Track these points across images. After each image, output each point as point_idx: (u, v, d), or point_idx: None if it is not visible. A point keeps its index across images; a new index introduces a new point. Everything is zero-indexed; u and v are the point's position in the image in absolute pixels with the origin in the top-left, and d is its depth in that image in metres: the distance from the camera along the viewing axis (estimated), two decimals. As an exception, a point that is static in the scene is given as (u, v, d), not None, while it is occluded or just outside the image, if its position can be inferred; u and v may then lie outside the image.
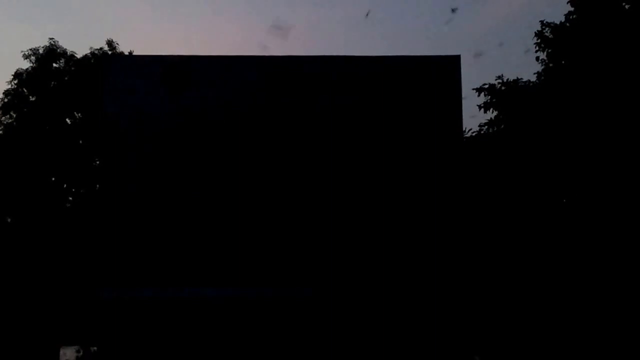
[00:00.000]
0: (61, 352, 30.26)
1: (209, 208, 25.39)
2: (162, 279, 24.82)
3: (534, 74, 30.45)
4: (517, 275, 28.33)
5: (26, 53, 36.99)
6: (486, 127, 30.31)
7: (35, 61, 36.97)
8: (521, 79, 30.32)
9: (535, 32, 30.03)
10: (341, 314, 23.71)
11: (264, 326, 23.22)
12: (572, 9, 29.56)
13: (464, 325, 23.38)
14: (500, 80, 30.13)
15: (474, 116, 50.81)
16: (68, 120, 36.72)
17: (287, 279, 24.70)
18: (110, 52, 37.09)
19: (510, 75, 31.09)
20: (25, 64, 37.14)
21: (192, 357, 22.12)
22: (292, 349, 22.34)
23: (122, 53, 36.94)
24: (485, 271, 28.35)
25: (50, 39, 37.39)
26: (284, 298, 24.12)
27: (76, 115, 36.55)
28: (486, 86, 30.00)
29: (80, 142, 35.90)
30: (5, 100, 36.43)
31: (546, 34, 29.90)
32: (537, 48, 30.08)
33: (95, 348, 25.18)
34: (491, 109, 30.04)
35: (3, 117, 36.35)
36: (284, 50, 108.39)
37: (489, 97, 29.97)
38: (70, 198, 36.06)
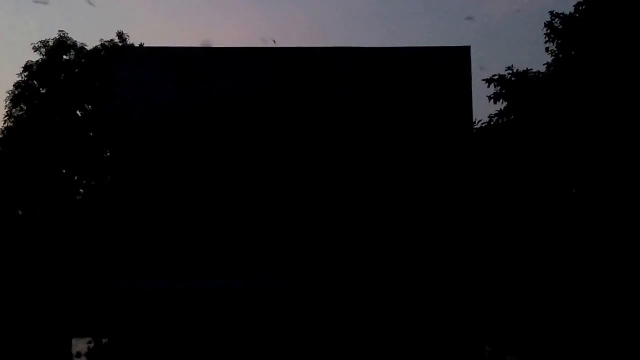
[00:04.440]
0: (73, 343, 30.41)
1: (215, 201, 25.48)
2: (169, 271, 24.97)
3: (544, 64, 30.41)
4: (528, 266, 28.37)
5: (36, 45, 37.05)
6: (496, 118, 30.28)
7: (46, 54, 36.98)
8: (531, 69, 30.28)
9: (545, 23, 29.99)
10: (342, 307, 23.82)
11: (268, 317, 23.39)
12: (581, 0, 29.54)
13: (474, 316, 23.46)
14: (510, 72, 30.08)
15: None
16: (79, 113, 36.79)
17: (290, 272, 24.85)
18: (120, 45, 37.09)
19: (520, 67, 30.95)
20: (36, 57, 37.22)
21: (198, 347, 22.32)
22: (290, 339, 22.50)
23: (132, 45, 36.92)
24: (495, 262, 28.40)
25: (61, 31, 37.41)
26: (281, 290, 24.30)
27: (87, 107, 36.59)
28: (496, 77, 29.96)
29: (91, 134, 35.96)
30: (16, 92, 36.50)
31: (556, 25, 29.85)
32: (546, 39, 30.04)
33: (106, 340, 25.37)
34: (501, 100, 29.99)
35: (14, 110, 36.43)
36: (290, 43, 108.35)
37: (499, 88, 29.92)
38: (82, 190, 36.17)
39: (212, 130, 25.52)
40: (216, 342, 22.30)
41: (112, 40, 37.39)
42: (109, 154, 33.63)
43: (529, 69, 30.25)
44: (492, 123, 30.44)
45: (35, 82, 36.58)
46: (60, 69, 36.70)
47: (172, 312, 23.51)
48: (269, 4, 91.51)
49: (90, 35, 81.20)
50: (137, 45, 36.43)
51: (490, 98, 30.07)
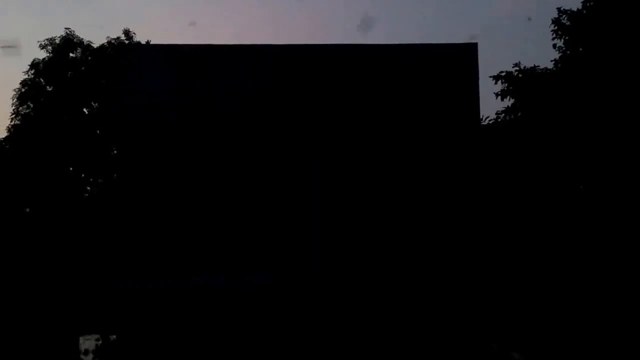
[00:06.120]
0: (80, 341, 30.44)
1: (217, 201, 25.45)
2: (171, 270, 24.96)
3: (551, 61, 30.25)
4: (534, 263, 28.27)
5: (43, 43, 36.97)
6: (503, 114, 30.12)
7: (52, 51, 36.91)
8: (538, 66, 30.12)
9: (552, 20, 29.83)
10: (344, 305, 23.76)
11: (268, 316, 23.38)
12: (589, -4, 29.40)
13: (479, 313, 23.38)
14: (517, 68, 29.91)
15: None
16: (85, 110, 36.74)
17: (290, 270, 24.82)
18: (127, 42, 36.99)
19: (527, 63, 30.78)
20: (42, 54, 37.17)
21: (200, 345, 22.34)
22: (291, 338, 22.47)
23: (139, 43, 36.79)
24: (501, 259, 28.29)
25: (67, 28, 37.33)
26: (282, 289, 24.30)
27: (93, 104, 36.54)
28: (503, 74, 29.79)
29: (98, 131, 35.90)
30: (23, 90, 36.47)
31: (563, 21, 29.71)
32: (554, 35, 29.88)
33: (114, 337, 25.42)
34: (508, 97, 29.82)
35: (20, 108, 36.41)
36: (294, 39, 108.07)
37: (506, 84, 29.75)
38: (88, 188, 36.14)
39: (215, 128, 25.50)
40: (218, 341, 22.30)
41: (118, 38, 37.29)
42: (115, 152, 33.61)
43: (536, 65, 30.12)
44: (499, 120, 30.28)
45: (42, 80, 36.53)
46: (66, 67, 36.64)
47: (174, 311, 23.51)
48: (271, 1, 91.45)
49: (95, 33, 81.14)
50: (143, 42, 36.39)
51: (497, 95, 29.90)
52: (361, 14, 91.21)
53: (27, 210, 35.59)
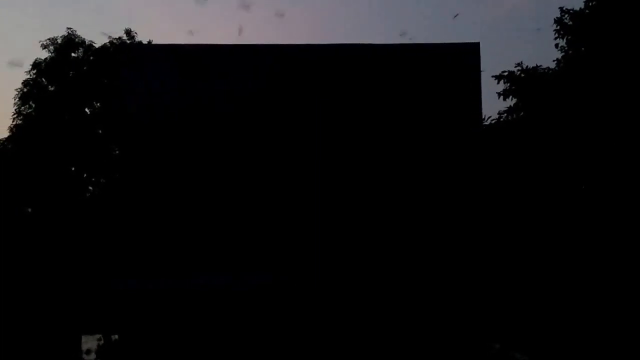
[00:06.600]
0: (83, 340, 30.47)
1: (218, 201, 25.44)
2: (172, 270, 24.96)
3: (553, 61, 30.23)
4: (537, 263, 28.23)
5: (44, 43, 36.93)
6: (505, 114, 30.09)
7: (54, 51, 36.85)
8: (540, 66, 30.10)
9: (554, 19, 29.81)
10: (345, 304, 23.72)
11: (269, 315, 23.36)
12: (591, -5, 29.35)
13: (481, 313, 23.33)
14: (519, 68, 29.88)
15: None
16: (87, 110, 36.69)
17: (290, 270, 24.78)
18: (128, 42, 36.89)
19: (529, 63, 30.73)
20: (44, 54, 37.13)
21: (202, 345, 22.34)
22: (291, 338, 22.45)
23: (140, 42, 36.70)
24: (503, 259, 28.24)
25: (69, 28, 37.26)
26: (282, 288, 24.28)
27: (95, 104, 36.47)
28: (505, 73, 29.76)
29: (100, 131, 35.85)
30: (24, 90, 36.42)
31: (565, 20, 29.66)
32: (556, 35, 29.85)
33: (116, 336, 25.42)
34: (510, 97, 29.79)
35: (22, 107, 36.34)
36: (295, 39, 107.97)
37: (508, 84, 29.73)
38: (90, 188, 36.08)
39: (215, 128, 25.50)
40: (219, 340, 22.28)
41: (119, 38, 37.19)
42: (117, 152, 33.57)
43: (538, 65, 30.09)
44: (501, 119, 30.24)
45: (44, 80, 36.45)
46: (68, 67, 36.55)
47: (174, 311, 23.52)
48: (271, 1, 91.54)
49: (98, 32, 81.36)
50: (144, 42, 36.28)
51: (499, 94, 29.87)
52: (361, 14, 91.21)
53: (29, 210, 35.58)
